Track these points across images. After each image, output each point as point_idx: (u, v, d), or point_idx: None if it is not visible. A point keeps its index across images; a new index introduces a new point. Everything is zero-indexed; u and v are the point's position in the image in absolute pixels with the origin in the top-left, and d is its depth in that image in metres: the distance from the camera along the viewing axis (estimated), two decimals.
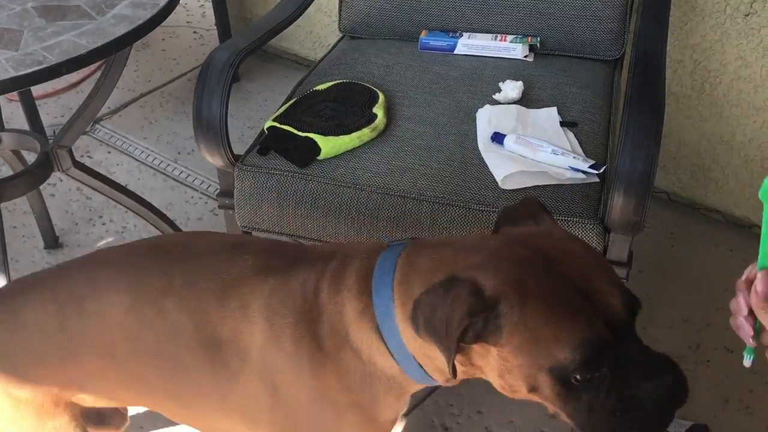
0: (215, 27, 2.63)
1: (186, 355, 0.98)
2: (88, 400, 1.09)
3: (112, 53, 1.26)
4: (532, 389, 0.83)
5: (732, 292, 2.08)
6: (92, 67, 2.60)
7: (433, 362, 0.91)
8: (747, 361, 0.79)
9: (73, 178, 1.73)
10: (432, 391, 1.69)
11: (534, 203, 0.95)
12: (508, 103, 1.51)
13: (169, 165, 2.34)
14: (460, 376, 0.90)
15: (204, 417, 1.06)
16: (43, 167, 1.61)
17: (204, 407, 1.03)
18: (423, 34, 1.71)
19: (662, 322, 1.82)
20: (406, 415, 1.65)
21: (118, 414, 1.22)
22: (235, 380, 0.98)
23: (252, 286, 0.97)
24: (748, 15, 1.80)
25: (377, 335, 0.92)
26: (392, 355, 0.93)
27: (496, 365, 0.83)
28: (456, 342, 0.80)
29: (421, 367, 0.93)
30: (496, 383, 0.87)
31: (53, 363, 1.04)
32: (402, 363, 0.93)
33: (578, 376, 0.79)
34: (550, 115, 1.47)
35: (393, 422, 1.02)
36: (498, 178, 1.32)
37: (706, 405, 1.63)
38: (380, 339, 0.92)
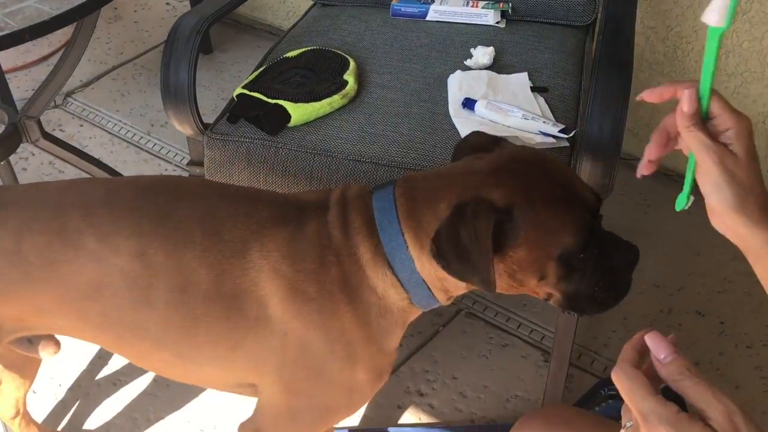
0: None
1: (200, 306, 0.99)
2: (41, 328, 1.09)
3: (75, 19, 1.23)
4: (541, 278, 0.96)
5: (704, 256, 2.11)
6: (63, 39, 2.56)
7: (442, 284, 1.00)
8: (685, 205, 0.83)
9: (43, 149, 1.71)
10: (407, 357, 1.70)
11: (483, 135, 1.06)
12: (480, 69, 1.51)
13: (142, 137, 2.32)
14: (460, 290, 1.02)
15: (200, 367, 1.07)
16: (12, 138, 1.59)
17: (206, 357, 1.05)
18: (395, 1, 1.69)
19: (635, 287, 1.81)
20: None
21: (52, 340, 1.19)
22: (250, 328, 1.00)
23: (271, 236, 1.00)
24: None
25: (390, 270, 0.99)
26: (403, 286, 1.00)
27: (509, 267, 0.95)
28: (490, 256, 0.90)
29: (430, 291, 1.01)
30: (504, 284, 0.98)
31: (19, 291, 1.01)
32: (412, 291, 1.01)
33: (581, 256, 0.95)
34: (520, 80, 1.47)
35: (396, 350, 1.09)
36: None
37: None
38: (393, 273, 0.99)
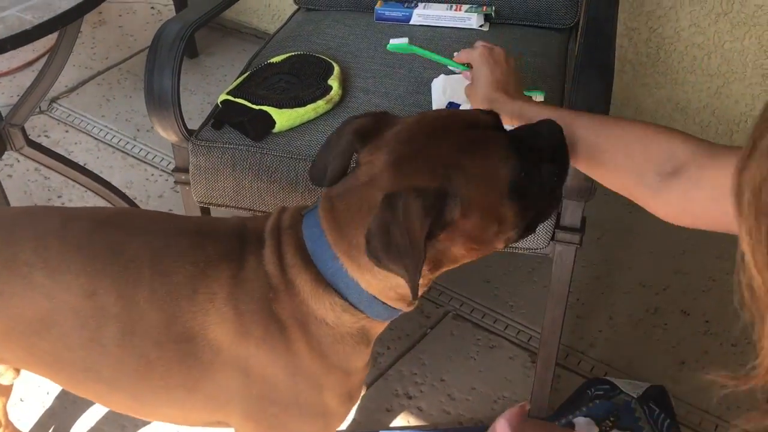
0: (172, 2, 2.59)
1: (153, 349, 0.96)
2: None
3: (57, 28, 1.23)
4: (500, 224, 0.90)
5: (689, 255, 2.12)
6: (47, 45, 2.55)
7: (396, 292, 0.95)
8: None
9: (28, 157, 1.71)
10: (395, 360, 1.71)
11: (361, 119, 0.98)
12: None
13: (128, 143, 2.31)
14: (422, 288, 0.95)
15: (159, 409, 1.05)
16: None
17: (164, 400, 1.02)
18: (378, 5, 1.70)
19: (621, 287, 1.85)
20: (369, 385, 1.67)
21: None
22: (206, 372, 0.97)
23: (215, 277, 0.97)
24: None
25: (338, 295, 0.95)
26: (356, 307, 0.95)
27: (464, 233, 0.89)
28: (423, 247, 0.84)
29: (386, 304, 0.96)
30: (464, 252, 0.92)
31: None
32: (367, 309, 0.96)
33: (523, 175, 0.90)
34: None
35: (366, 366, 1.06)
36: None
37: (663, 367, 1.67)
38: (341, 297, 0.95)
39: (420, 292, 0.93)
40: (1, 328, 0.98)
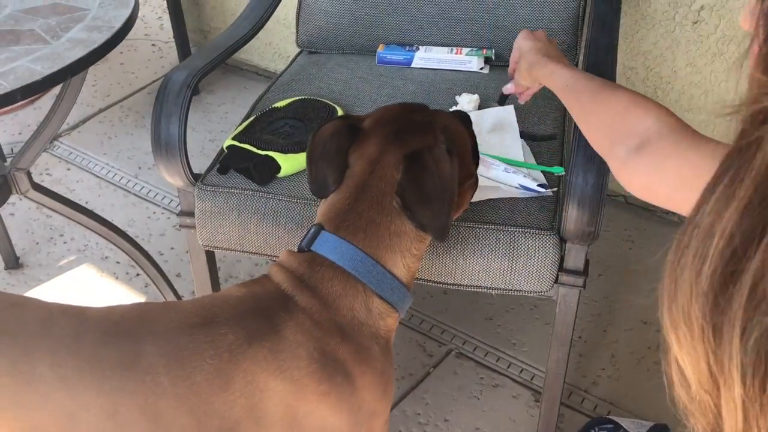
0: (173, 39, 2.62)
1: None
2: None
3: (67, 78, 1.25)
4: (469, 178, 1.15)
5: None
6: None
7: (411, 271, 1.05)
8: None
9: (32, 200, 1.72)
10: (399, 400, 1.71)
11: (331, 125, 1.10)
12: None
13: (130, 180, 2.33)
14: (413, 274, 1.07)
15: None
16: (1, 191, 1.59)
17: None
18: (380, 48, 1.72)
19: (622, 324, 1.86)
20: None
21: None
22: None
23: (250, 357, 0.94)
24: (696, 23, 1.86)
25: (382, 301, 1.01)
26: (393, 306, 1.02)
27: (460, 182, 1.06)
28: (456, 185, 1.05)
29: (405, 286, 1.04)
30: (461, 200, 1.11)
31: None
32: (398, 303, 1.03)
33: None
34: (507, 113, 1.49)
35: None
36: None
37: (667, 405, 1.67)
38: (385, 301, 1.01)
39: (412, 277, 1.06)
40: None
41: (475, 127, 1.47)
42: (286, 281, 1.00)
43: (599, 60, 1.50)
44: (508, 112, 1.50)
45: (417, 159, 1.00)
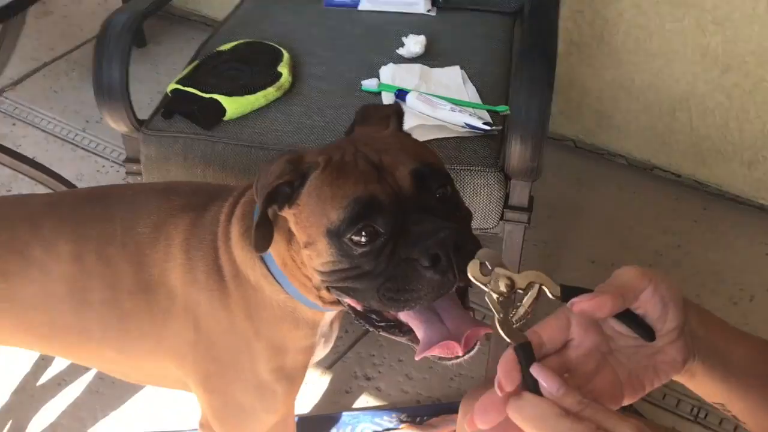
0: None
1: (127, 301, 1.01)
2: None
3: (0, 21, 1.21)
4: (316, 252, 0.86)
5: (635, 231, 2.16)
6: None
7: (299, 281, 0.94)
8: None
9: None
10: (353, 343, 1.73)
11: (391, 107, 1.01)
12: (412, 58, 1.53)
13: (77, 135, 2.28)
14: (325, 299, 0.94)
15: (139, 361, 1.08)
16: None
17: (141, 350, 1.06)
18: None
19: (570, 265, 1.90)
20: (329, 367, 1.69)
21: None
22: (167, 319, 1.01)
23: (175, 223, 1.01)
24: None
25: (259, 258, 0.96)
26: (274, 277, 0.96)
27: (299, 225, 0.88)
28: (266, 195, 0.86)
29: (296, 287, 0.95)
30: (302, 245, 0.88)
31: None
32: (284, 285, 0.96)
33: (353, 237, 0.82)
34: (453, 72, 1.50)
35: (307, 351, 1.05)
36: None
37: None
38: (262, 261, 0.96)
39: (328, 302, 0.94)
40: (5, 312, 1.03)
41: (422, 73, 1.49)
42: (239, 189, 1.03)
43: (543, 1, 1.50)
44: (455, 69, 1.51)
45: (270, 161, 0.92)
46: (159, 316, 1.02)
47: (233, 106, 1.38)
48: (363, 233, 0.82)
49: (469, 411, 1.04)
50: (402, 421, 1.58)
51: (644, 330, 0.64)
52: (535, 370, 0.58)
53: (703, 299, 1.80)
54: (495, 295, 0.61)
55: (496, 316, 0.61)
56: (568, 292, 0.63)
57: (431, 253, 0.78)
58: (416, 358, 0.86)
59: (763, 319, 1.77)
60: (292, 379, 1.06)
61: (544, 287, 0.62)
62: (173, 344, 1.03)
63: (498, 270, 0.62)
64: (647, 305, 0.64)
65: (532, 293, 0.62)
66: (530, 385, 0.59)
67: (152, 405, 1.61)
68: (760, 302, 1.81)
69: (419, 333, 0.86)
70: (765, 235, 1.97)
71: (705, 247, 1.94)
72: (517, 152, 1.26)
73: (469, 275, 0.63)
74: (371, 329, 0.91)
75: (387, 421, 1.58)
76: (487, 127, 1.34)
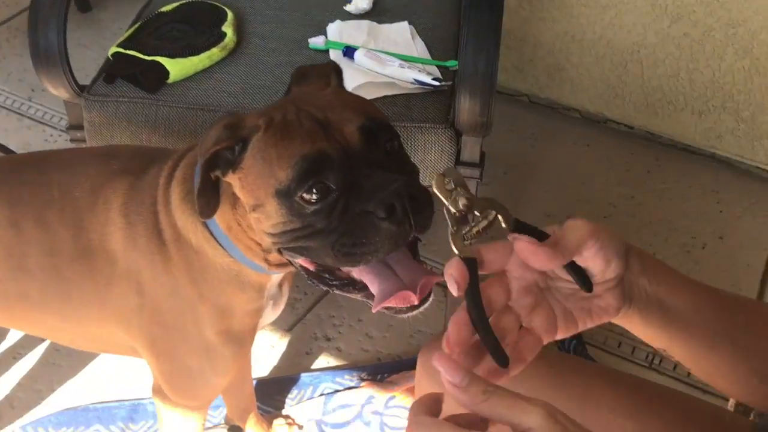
0: None
1: (68, 267, 0.99)
2: None
3: None
4: (268, 217, 0.84)
5: (589, 184, 2.17)
6: None
7: (245, 244, 0.92)
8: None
9: None
10: (313, 305, 1.73)
11: (329, 65, 0.98)
12: (359, 14, 1.51)
13: (23, 104, 2.22)
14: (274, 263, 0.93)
15: (83, 327, 1.07)
16: None
17: (85, 317, 1.05)
18: None
19: (526, 219, 1.88)
20: (288, 329, 1.69)
21: None
22: (109, 284, 1.00)
23: (113, 187, 0.98)
24: None
25: (200, 221, 0.93)
26: (219, 242, 0.94)
27: (244, 189, 0.86)
28: (206, 162, 0.84)
29: (240, 250, 0.93)
30: (248, 208, 0.87)
31: None
32: (228, 249, 0.94)
33: (303, 195, 0.81)
34: (401, 28, 1.48)
35: (254, 314, 1.04)
36: (348, 89, 1.33)
37: None
38: (204, 225, 0.94)
39: (274, 265, 0.93)
40: None
41: (370, 29, 1.47)
42: (180, 152, 1.00)
43: None
44: (403, 25, 1.49)
45: (213, 126, 0.88)
46: (101, 282, 1.00)
47: (176, 68, 1.35)
48: (314, 190, 0.81)
49: (426, 364, 1.05)
50: (363, 380, 1.59)
51: (584, 281, 0.66)
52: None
53: (657, 248, 1.83)
54: (453, 210, 0.64)
55: (450, 229, 0.64)
56: (520, 227, 0.65)
57: (387, 203, 0.78)
58: (373, 311, 0.85)
59: (715, 266, 1.81)
60: (240, 342, 1.05)
61: (499, 216, 0.65)
62: (117, 309, 1.02)
63: (460, 189, 0.64)
64: (590, 261, 0.66)
65: (488, 218, 0.65)
66: (474, 299, 0.61)
67: (109, 375, 1.59)
68: (712, 250, 1.85)
69: (373, 287, 0.85)
70: (716, 184, 2.00)
71: (658, 198, 1.96)
72: (466, 107, 1.25)
73: (433, 187, 0.65)
74: (325, 288, 0.91)
75: (348, 380, 1.59)
76: (436, 83, 1.33)
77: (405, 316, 0.86)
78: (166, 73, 1.35)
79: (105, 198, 0.98)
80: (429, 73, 1.35)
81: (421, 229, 0.82)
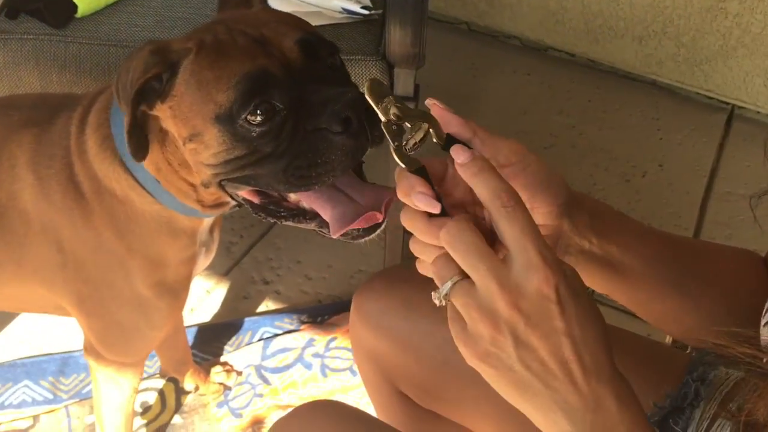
0: None
1: None
2: None
3: None
4: (207, 146, 0.78)
5: (530, 114, 2.15)
6: None
7: (176, 186, 0.86)
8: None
9: None
10: (249, 248, 1.68)
11: None
12: None
13: None
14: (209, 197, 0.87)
15: (3, 288, 1.01)
16: None
17: (3, 279, 0.99)
18: None
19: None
20: (225, 274, 1.64)
21: None
22: (24, 244, 0.93)
23: (17, 140, 0.91)
24: None
25: (123, 168, 0.87)
26: (143, 187, 0.88)
27: (175, 118, 0.79)
28: (134, 95, 0.76)
29: (169, 193, 0.87)
30: (181, 143, 0.81)
31: None
32: (157, 195, 0.88)
33: (248, 118, 0.75)
34: None
35: (189, 262, 0.99)
36: None
37: None
38: (128, 172, 0.88)
39: (208, 207, 0.88)
40: None
41: None
42: (89, 96, 0.93)
43: None
44: None
45: (132, 54, 0.80)
46: (14, 242, 0.94)
47: (85, 1, 1.25)
48: (258, 111, 0.75)
49: (361, 308, 1.02)
50: (303, 322, 1.56)
51: None
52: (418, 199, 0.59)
53: (597, 178, 1.82)
54: (383, 118, 0.62)
55: (392, 144, 0.62)
56: (452, 142, 0.63)
57: (342, 116, 0.73)
58: (334, 237, 0.79)
59: (656, 195, 1.81)
60: (176, 293, 1.00)
61: (431, 130, 0.63)
62: (36, 268, 0.96)
63: (391, 98, 0.62)
64: (512, 181, 0.62)
65: (422, 129, 0.63)
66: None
67: (36, 329, 1.53)
68: (652, 178, 1.84)
69: (328, 213, 0.79)
70: (656, 111, 1.99)
71: (599, 127, 1.94)
72: (397, 37, 1.19)
73: (365, 93, 0.61)
74: (273, 221, 0.85)
75: (288, 323, 1.56)
76: (365, 12, 1.27)
77: (363, 240, 0.80)
78: (74, 6, 1.25)
79: (9, 153, 0.91)
80: (358, 2, 1.28)
81: (378, 141, 0.76)
